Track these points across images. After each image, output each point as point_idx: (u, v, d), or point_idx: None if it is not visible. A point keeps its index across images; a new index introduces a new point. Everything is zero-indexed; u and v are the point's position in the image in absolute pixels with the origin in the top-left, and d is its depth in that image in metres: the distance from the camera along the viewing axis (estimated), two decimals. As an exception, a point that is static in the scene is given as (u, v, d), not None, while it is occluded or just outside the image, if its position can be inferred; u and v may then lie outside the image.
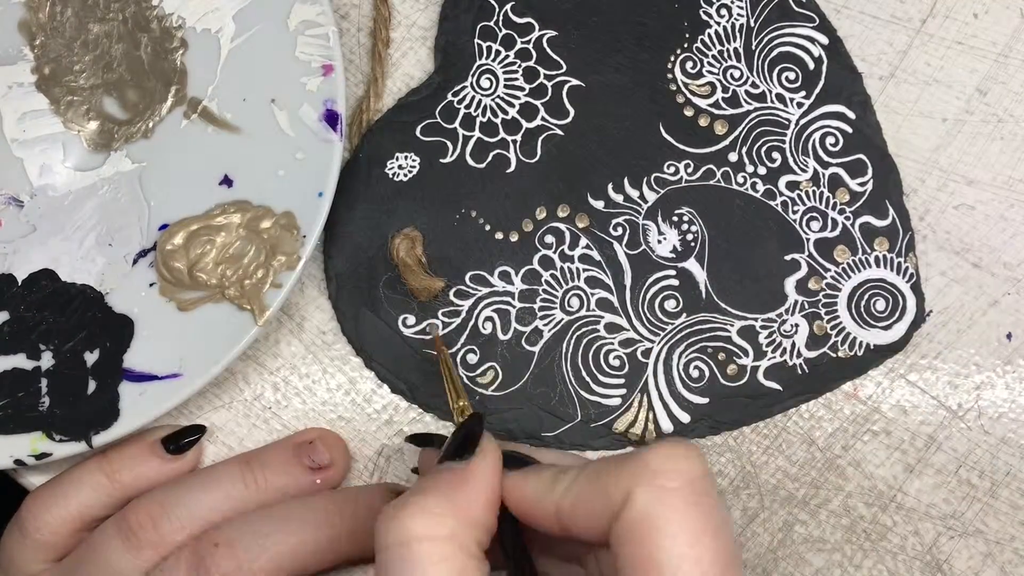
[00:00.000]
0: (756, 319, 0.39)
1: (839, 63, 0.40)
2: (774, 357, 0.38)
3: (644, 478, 0.25)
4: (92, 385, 0.37)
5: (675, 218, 0.39)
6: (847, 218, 0.39)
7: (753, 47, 0.40)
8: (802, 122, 0.39)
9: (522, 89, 0.40)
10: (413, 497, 0.27)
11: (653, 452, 0.26)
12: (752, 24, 0.40)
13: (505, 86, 0.40)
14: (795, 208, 0.39)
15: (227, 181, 0.38)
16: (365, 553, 0.36)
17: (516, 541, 0.29)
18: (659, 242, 0.39)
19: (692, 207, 0.39)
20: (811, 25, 0.40)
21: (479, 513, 0.27)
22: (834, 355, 0.38)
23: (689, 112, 0.40)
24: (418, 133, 0.40)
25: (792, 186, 0.39)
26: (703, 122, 0.40)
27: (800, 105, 0.40)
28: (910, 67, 0.40)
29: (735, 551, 0.25)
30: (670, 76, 0.40)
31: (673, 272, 0.39)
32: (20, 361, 0.38)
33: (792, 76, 0.40)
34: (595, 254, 0.39)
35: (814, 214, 0.39)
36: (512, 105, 0.40)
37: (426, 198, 0.39)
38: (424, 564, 0.25)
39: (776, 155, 0.39)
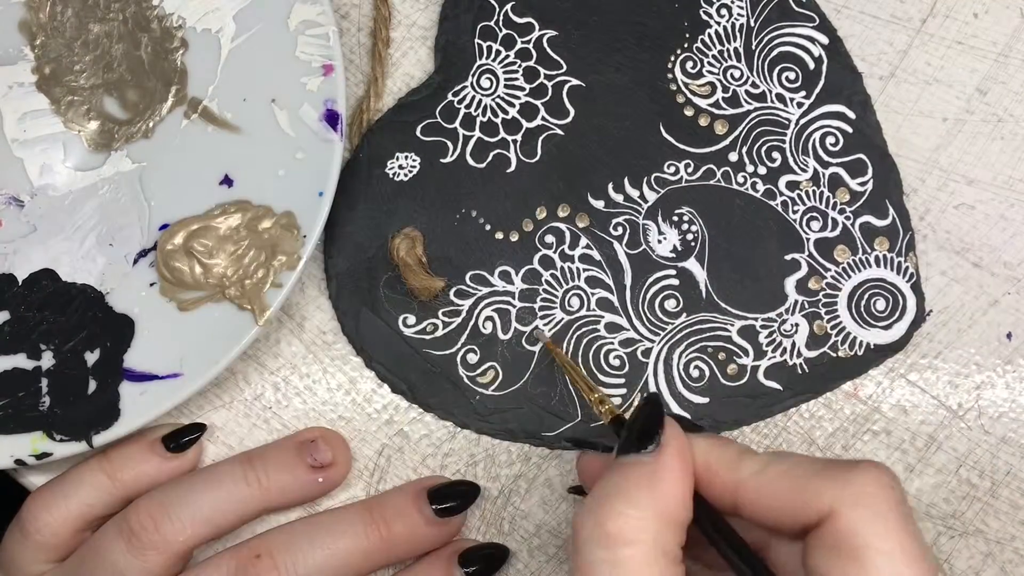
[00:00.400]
0: (756, 319, 0.39)
1: (839, 63, 0.40)
2: (774, 357, 0.38)
3: (851, 496, 0.25)
4: (92, 385, 0.37)
5: (675, 218, 0.39)
6: (847, 218, 0.39)
7: (753, 47, 0.40)
8: (802, 122, 0.39)
9: (522, 89, 0.40)
10: (611, 499, 0.26)
11: (860, 471, 0.26)
12: (752, 24, 0.40)
13: (505, 86, 0.40)
14: (795, 208, 0.39)
15: (227, 181, 0.38)
16: (398, 558, 0.36)
17: (716, 518, 0.28)
18: (659, 242, 0.39)
19: (692, 207, 0.39)
20: (811, 25, 0.40)
21: (678, 510, 0.27)
22: (834, 355, 0.38)
23: (689, 112, 0.40)
24: (418, 133, 0.40)
25: (792, 186, 0.39)
26: (703, 122, 0.40)
27: (800, 105, 0.40)
28: (910, 67, 0.40)
29: (936, 567, 0.26)
30: (670, 76, 0.40)
31: (673, 272, 0.39)
32: (20, 361, 0.38)
33: (792, 76, 0.40)
34: (595, 254, 0.39)
35: (814, 214, 0.39)
36: (512, 105, 0.40)
37: (426, 198, 0.39)
38: (630, 567, 0.25)
39: (776, 155, 0.39)
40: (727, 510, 0.28)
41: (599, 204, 0.39)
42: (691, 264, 0.39)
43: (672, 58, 0.40)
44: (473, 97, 0.40)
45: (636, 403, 0.29)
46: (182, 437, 0.37)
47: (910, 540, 0.25)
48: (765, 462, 0.27)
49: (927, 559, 0.25)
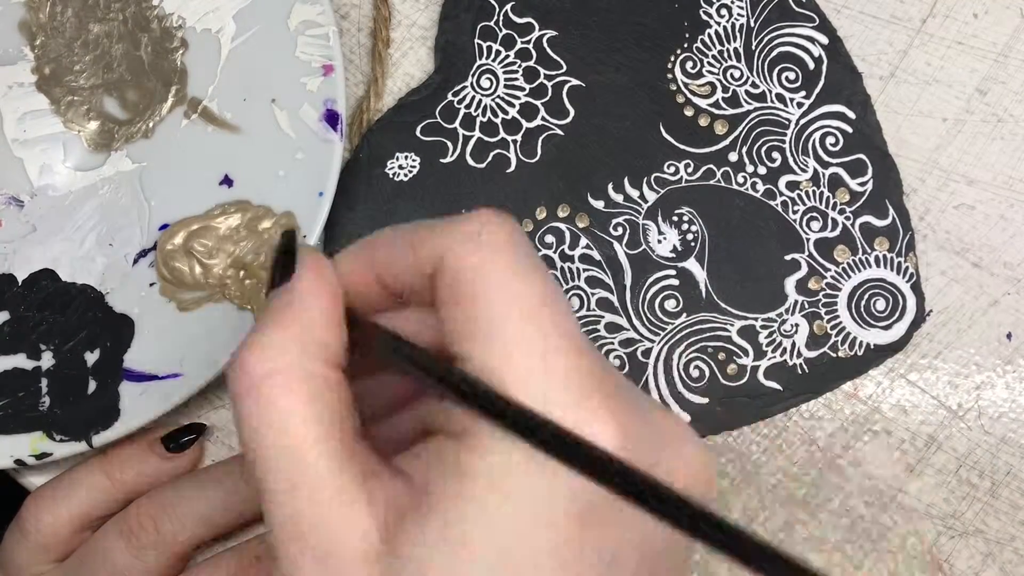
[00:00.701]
0: (756, 319, 0.39)
1: (839, 63, 0.40)
2: (774, 357, 0.38)
3: (457, 238, 0.24)
4: (92, 385, 0.37)
5: (675, 218, 0.39)
6: (847, 218, 0.39)
7: (753, 47, 0.40)
8: (802, 122, 0.39)
9: (522, 89, 0.40)
10: (248, 337, 0.25)
11: (466, 216, 0.24)
12: (752, 24, 0.40)
13: (505, 86, 0.40)
14: (795, 208, 0.39)
15: (227, 181, 0.38)
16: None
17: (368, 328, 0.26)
18: (659, 242, 0.39)
19: (692, 207, 0.39)
20: (811, 25, 0.40)
21: (320, 330, 0.25)
22: (834, 355, 0.38)
23: (689, 112, 0.40)
24: (418, 133, 0.40)
25: (792, 186, 0.39)
26: (703, 122, 0.40)
27: (800, 105, 0.40)
28: (910, 67, 0.40)
29: (559, 288, 0.24)
30: (670, 76, 0.40)
31: (673, 272, 0.39)
32: (20, 361, 0.38)
33: (792, 76, 0.40)
34: (595, 254, 0.39)
35: (814, 214, 0.39)
36: (512, 105, 0.40)
37: (426, 198, 0.39)
38: (274, 400, 0.23)
39: (776, 155, 0.39)
40: (388, 302, 0.26)
41: (599, 204, 0.39)
42: (691, 264, 0.39)
43: (672, 58, 0.40)
44: (473, 97, 0.40)
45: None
46: (182, 437, 0.37)
47: (513, 262, 0.23)
48: (389, 235, 0.26)
49: (529, 275, 0.23)
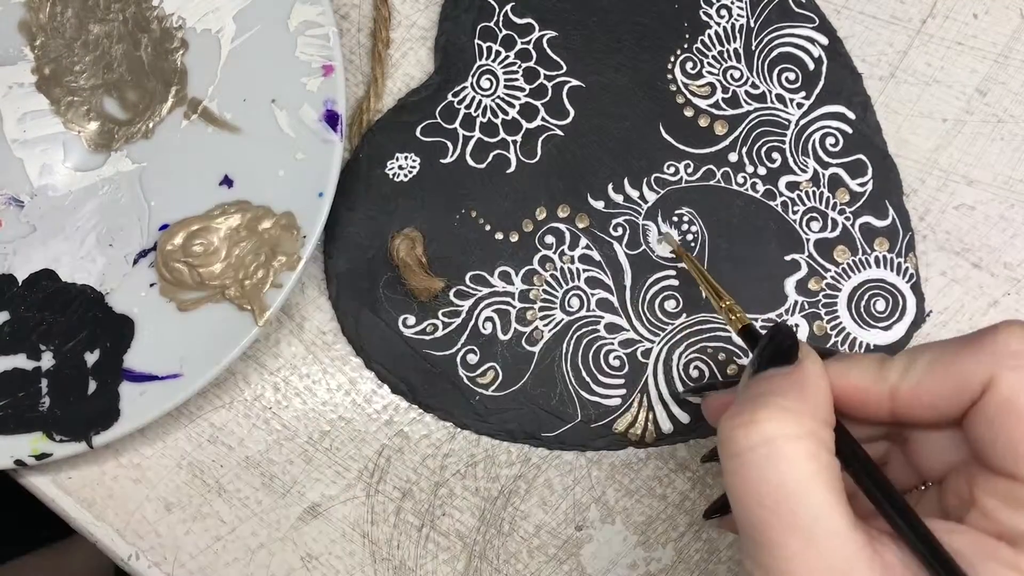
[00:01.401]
0: (756, 319, 0.39)
1: (839, 63, 0.40)
2: (774, 357, 0.38)
3: (1005, 361, 0.25)
4: (92, 385, 0.37)
5: (675, 218, 0.39)
6: (847, 218, 0.39)
7: (753, 47, 0.40)
8: (802, 122, 0.39)
9: (522, 89, 0.40)
10: (764, 401, 0.25)
11: (1004, 333, 0.25)
12: (752, 24, 0.40)
13: (505, 86, 0.40)
14: (795, 208, 0.39)
15: (227, 181, 0.38)
16: None
17: (851, 442, 0.28)
18: (659, 242, 0.39)
19: (692, 207, 0.39)
20: (811, 25, 0.40)
21: (828, 414, 0.26)
22: (834, 355, 0.38)
23: (689, 112, 0.40)
24: (418, 133, 0.40)
25: (792, 186, 0.39)
26: (703, 122, 0.40)
27: (800, 105, 0.40)
28: (910, 67, 0.40)
29: None
30: (670, 76, 0.40)
31: (673, 272, 0.39)
32: (20, 361, 0.38)
33: (792, 76, 0.40)
34: (595, 254, 0.39)
35: (814, 214, 0.39)
36: (512, 105, 0.40)
37: (426, 198, 0.39)
38: (795, 461, 0.24)
39: (776, 155, 0.39)
40: (887, 422, 0.28)
41: (599, 204, 0.39)
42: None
43: (672, 59, 0.40)
44: (473, 97, 0.40)
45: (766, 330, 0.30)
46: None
47: None
48: (908, 360, 0.27)
49: None
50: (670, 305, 0.39)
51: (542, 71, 0.40)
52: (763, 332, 0.30)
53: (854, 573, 0.24)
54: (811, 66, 0.40)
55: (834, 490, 0.24)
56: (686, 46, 0.40)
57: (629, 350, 0.38)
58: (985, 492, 0.26)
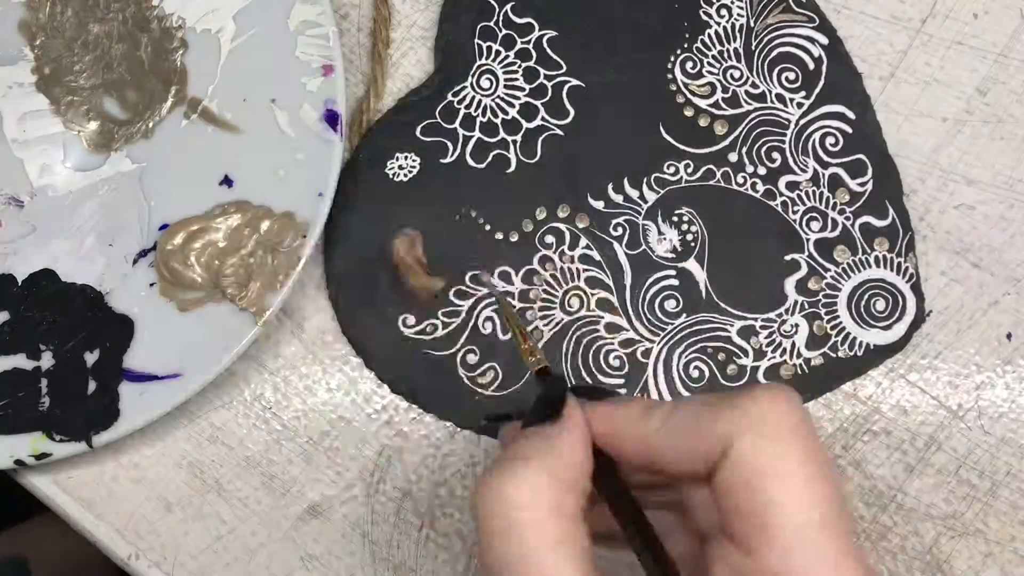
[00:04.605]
0: (756, 319, 0.39)
1: (839, 63, 0.40)
2: (774, 357, 0.38)
3: (745, 425, 0.25)
4: (92, 385, 0.37)
5: (675, 218, 0.39)
6: (847, 218, 0.39)
7: (753, 47, 0.40)
8: (802, 122, 0.39)
9: (522, 89, 0.40)
10: (510, 466, 0.26)
11: (751, 398, 0.25)
12: (752, 24, 0.40)
13: (505, 86, 0.40)
14: (795, 208, 0.39)
15: (227, 181, 0.38)
16: None
17: (613, 483, 0.29)
18: (659, 242, 0.39)
19: (692, 207, 0.39)
20: (811, 25, 0.40)
21: (577, 475, 0.27)
22: (834, 355, 0.38)
23: (689, 112, 0.40)
24: (418, 133, 0.40)
25: (792, 186, 0.39)
26: (703, 122, 0.40)
27: (800, 105, 0.40)
28: (910, 67, 0.40)
29: (843, 495, 0.25)
30: (670, 76, 0.40)
31: (673, 272, 0.39)
32: (20, 361, 0.38)
33: (792, 76, 0.40)
34: (595, 254, 0.39)
35: (814, 214, 0.39)
36: (512, 105, 0.40)
37: (426, 198, 0.39)
38: (531, 535, 0.25)
39: (776, 155, 0.39)
40: (645, 468, 0.28)
41: (599, 204, 0.39)
42: (691, 264, 0.39)
43: (672, 58, 0.40)
44: (473, 97, 0.40)
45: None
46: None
47: (808, 461, 0.24)
48: (668, 411, 0.27)
49: (826, 478, 0.24)
50: (670, 305, 0.39)
51: (542, 71, 0.40)
52: (559, 378, 0.31)
53: None
54: (811, 66, 0.40)
55: (573, 559, 0.25)
56: (686, 46, 0.40)
57: (629, 350, 0.38)
58: (721, 562, 0.26)
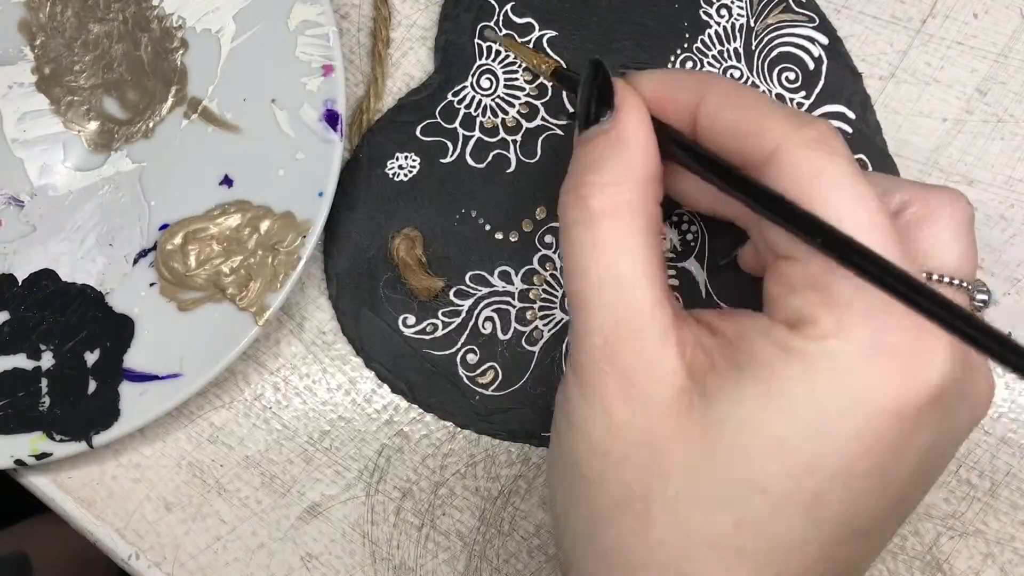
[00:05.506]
0: (756, 319, 0.39)
1: (839, 63, 0.40)
2: (774, 357, 0.38)
3: (804, 136, 0.25)
4: (92, 385, 0.37)
5: (675, 218, 0.39)
6: (847, 218, 0.39)
7: (753, 47, 0.40)
8: (802, 122, 0.39)
9: (522, 89, 0.40)
10: (585, 174, 0.27)
11: (816, 121, 0.25)
12: (752, 24, 0.40)
13: (505, 86, 0.40)
14: (795, 208, 0.39)
15: (227, 181, 0.38)
16: None
17: (681, 141, 0.28)
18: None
19: (692, 207, 0.39)
20: (811, 25, 0.40)
21: (646, 166, 0.27)
22: (834, 355, 0.38)
23: (689, 112, 0.40)
24: (418, 133, 0.40)
25: (792, 186, 0.39)
26: (703, 122, 0.40)
27: (800, 105, 0.40)
28: (910, 67, 0.40)
29: (891, 220, 0.25)
30: (670, 76, 0.40)
31: (673, 272, 0.39)
32: (20, 361, 0.38)
33: (792, 76, 0.40)
34: (595, 254, 0.39)
35: (814, 214, 0.39)
36: (512, 105, 0.40)
37: (426, 198, 0.39)
38: (611, 235, 0.26)
39: (776, 155, 0.39)
40: (686, 130, 0.28)
41: (599, 204, 0.39)
42: (691, 264, 0.39)
43: (672, 58, 0.40)
44: (473, 97, 0.40)
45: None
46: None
47: (859, 180, 0.24)
48: (731, 86, 0.27)
49: (878, 200, 0.24)
50: (670, 305, 0.39)
51: (542, 71, 0.40)
52: (596, 63, 0.29)
53: (644, 336, 0.25)
54: (811, 66, 0.40)
55: (646, 262, 0.26)
56: (686, 45, 0.40)
57: (629, 350, 0.38)
58: (771, 278, 0.26)
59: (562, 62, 0.32)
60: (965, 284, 0.28)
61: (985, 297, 0.29)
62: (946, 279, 0.28)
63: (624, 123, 0.27)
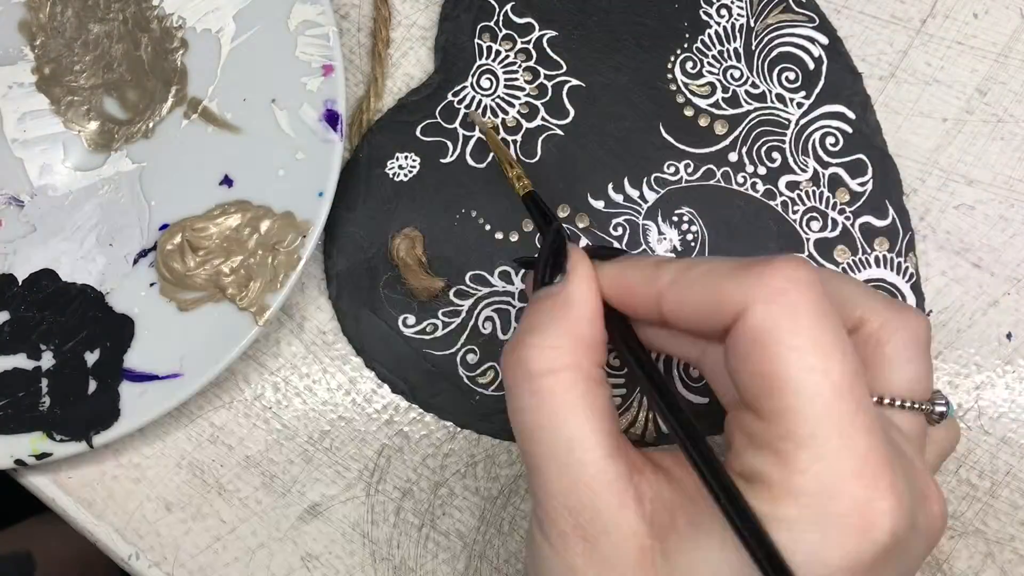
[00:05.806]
0: (756, 319, 0.39)
1: (839, 63, 0.40)
2: (774, 357, 0.38)
3: (763, 292, 0.25)
4: (92, 385, 0.37)
5: (675, 218, 0.39)
6: (847, 218, 0.39)
7: (753, 47, 0.40)
8: (802, 122, 0.39)
9: (522, 89, 0.40)
10: (528, 335, 0.27)
11: (769, 266, 0.25)
12: (752, 24, 0.40)
13: (505, 86, 0.40)
14: (795, 208, 0.39)
15: (227, 181, 0.38)
16: None
17: (628, 335, 0.29)
18: (659, 242, 0.39)
19: (692, 207, 0.39)
20: (811, 25, 0.40)
21: (589, 331, 0.28)
22: (834, 355, 0.38)
23: (689, 112, 0.40)
24: (418, 133, 0.40)
25: (792, 186, 0.39)
26: (703, 122, 0.40)
27: (800, 105, 0.40)
28: (910, 67, 0.40)
29: (861, 367, 0.25)
30: (670, 76, 0.40)
31: (673, 272, 0.39)
32: (20, 361, 0.38)
33: (792, 76, 0.40)
34: (595, 254, 0.39)
35: (814, 214, 0.39)
36: (512, 105, 0.40)
37: (426, 198, 0.39)
38: (555, 396, 0.26)
39: (776, 155, 0.39)
40: (656, 323, 0.28)
41: (599, 204, 0.39)
42: (691, 264, 0.39)
43: (672, 58, 0.40)
44: (473, 97, 0.40)
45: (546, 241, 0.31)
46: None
47: (823, 334, 0.24)
48: (683, 268, 0.27)
49: (843, 352, 0.24)
50: (670, 305, 0.39)
51: (542, 70, 0.40)
52: (545, 206, 0.30)
53: (600, 500, 0.26)
54: (811, 66, 0.40)
55: (593, 419, 0.26)
56: (686, 45, 0.40)
57: (629, 350, 0.38)
58: (736, 428, 0.26)
59: (533, 188, 0.33)
60: (918, 405, 0.29)
61: (943, 409, 0.30)
62: (898, 403, 0.29)
63: (572, 287, 0.28)
